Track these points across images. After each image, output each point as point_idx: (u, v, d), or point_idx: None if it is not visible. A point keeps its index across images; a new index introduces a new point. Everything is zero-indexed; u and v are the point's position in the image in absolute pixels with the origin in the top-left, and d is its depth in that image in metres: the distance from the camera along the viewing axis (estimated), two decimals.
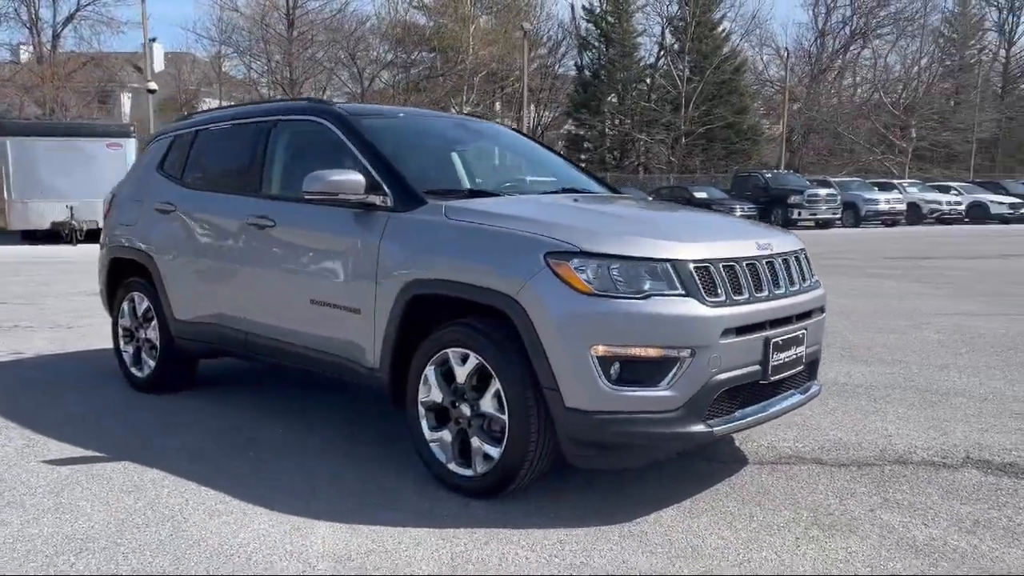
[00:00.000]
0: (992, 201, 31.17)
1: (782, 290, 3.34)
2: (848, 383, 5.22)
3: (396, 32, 40.83)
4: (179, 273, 4.67)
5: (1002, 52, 54.39)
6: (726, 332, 3.03)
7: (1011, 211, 30.75)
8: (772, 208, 26.64)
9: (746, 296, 3.15)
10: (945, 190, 32.16)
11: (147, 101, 28.52)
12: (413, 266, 3.43)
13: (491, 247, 3.20)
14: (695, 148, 43.45)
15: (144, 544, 2.89)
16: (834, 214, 27.11)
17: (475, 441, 3.26)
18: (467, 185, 4.22)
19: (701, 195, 26.92)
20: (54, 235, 19.25)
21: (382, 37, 41.38)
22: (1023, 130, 52.31)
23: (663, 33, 45.71)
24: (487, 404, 3.21)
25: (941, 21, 51.94)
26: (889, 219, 28.83)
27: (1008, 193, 32.20)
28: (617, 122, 45.56)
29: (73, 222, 19.07)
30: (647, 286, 2.98)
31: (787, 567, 2.73)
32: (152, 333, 4.93)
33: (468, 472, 3.30)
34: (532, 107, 41.82)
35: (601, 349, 2.94)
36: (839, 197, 27.54)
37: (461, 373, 3.28)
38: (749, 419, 3.23)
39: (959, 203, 30.86)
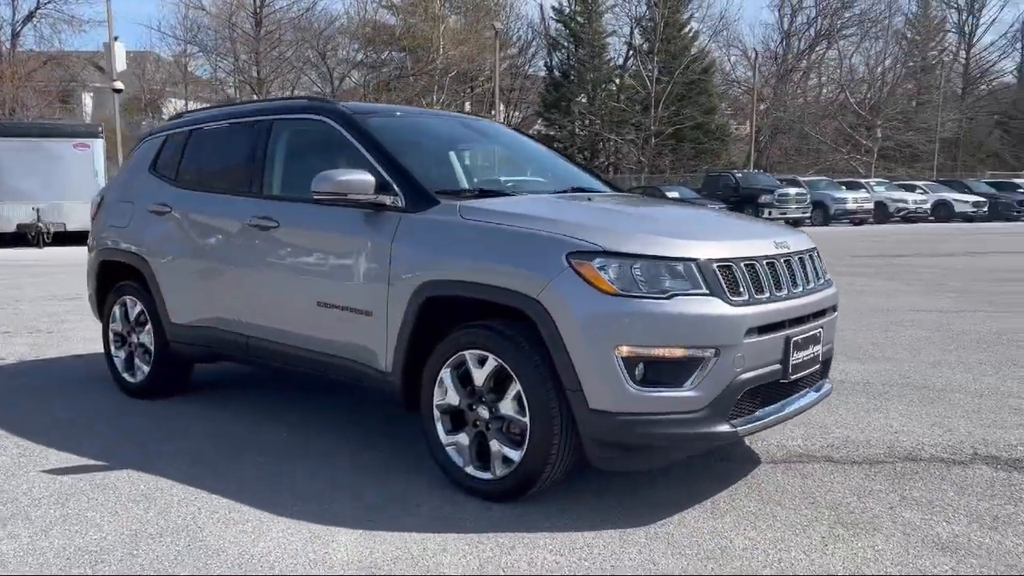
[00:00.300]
0: (956, 200, 31.74)
1: (800, 289, 3.34)
2: (845, 380, 5.25)
3: (366, 32, 40.57)
4: (175, 276, 4.56)
5: (962, 53, 55.48)
6: (749, 331, 3.02)
7: (974, 209, 31.34)
8: (743, 207, 26.73)
9: (767, 295, 3.15)
10: (911, 189, 32.70)
11: (110, 101, 27.99)
12: (428, 267, 3.37)
13: (510, 247, 3.16)
14: (664, 148, 43.72)
15: (161, 555, 2.81)
16: (804, 213, 27.38)
17: (494, 444, 3.21)
18: (475, 185, 4.17)
19: (673, 195, 26.98)
20: (19, 238, 18.83)
21: (352, 36, 41.09)
22: (982, 130, 53.42)
23: (632, 33, 45.98)
24: (507, 407, 3.16)
25: (904, 23, 52.88)
26: (857, 218, 29.23)
27: (971, 192, 32.82)
28: (587, 122, 45.69)
29: (40, 224, 18.66)
30: (671, 286, 2.95)
31: (819, 567, 2.72)
32: (146, 337, 4.82)
33: (487, 475, 3.25)
34: (502, 107, 41.74)
35: (625, 350, 2.91)
36: (809, 196, 27.86)
37: (479, 375, 3.24)
38: (770, 418, 3.22)
39: (925, 202, 31.41)
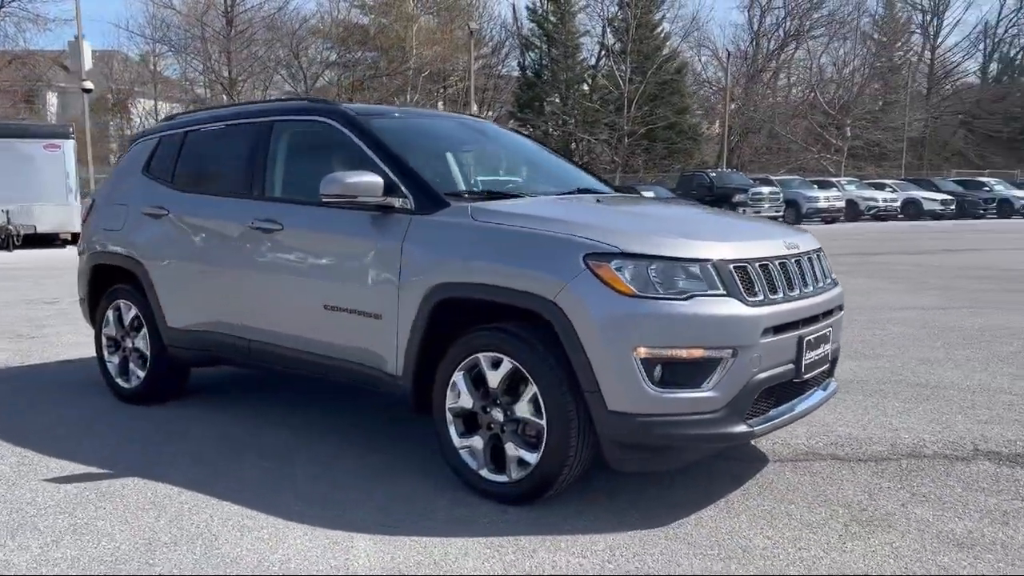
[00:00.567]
0: (925, 198, 32.24)
1: (810, 288, 3.37)
2: (840, 378, 5.25)
3: (339, 31, 40.31)
4: (173, 279, 4.49)
5: (927, 54, 56.39)
6: (765, 331, 3.04)
7: (942, 207, 31.86)
8: (718, 207, 27.02)
9: (781, 295, 3.17)
10: (881, 188, 33.17)
11: (76, 101, 27.57)
12: (440, 270, 3.35)
13: (526, 249, 3.15)
14: (637, 148, 43.96)
15: (179, 564, 2.77)
16: (777, 212, 27.67)
17: (509, 447, 3.20)
18: (481, 187, 4.15)
19: (648, 194, 27.10)
20: None
21: (324, 36, 40.81)
22: (947, 129, 54.29)
23: (604, 33, 46.17)
24: (522, 409, 3.15)
25: (871, 24, 53.63)
26: (829, 216, 29.61)
27: (939, 191, 33.36)
28: (561, 122, 45.80)
29: (10, 227, 18.27)
30: (689, 286, 2.96)
31: (840, 565, 2.74)
32: (141, 342, 4.74)
33: (502, 478, 3.24)
34: (476, 107, 41.69)
35: (644, 351, 2.91)
36: (782, 195, 28.18)
37: (493, 378, 3.22)
38: (784, 417, 3.25)
39: (894, 200, 31.88)
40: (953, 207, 32.06)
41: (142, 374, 4.74)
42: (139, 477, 3.58)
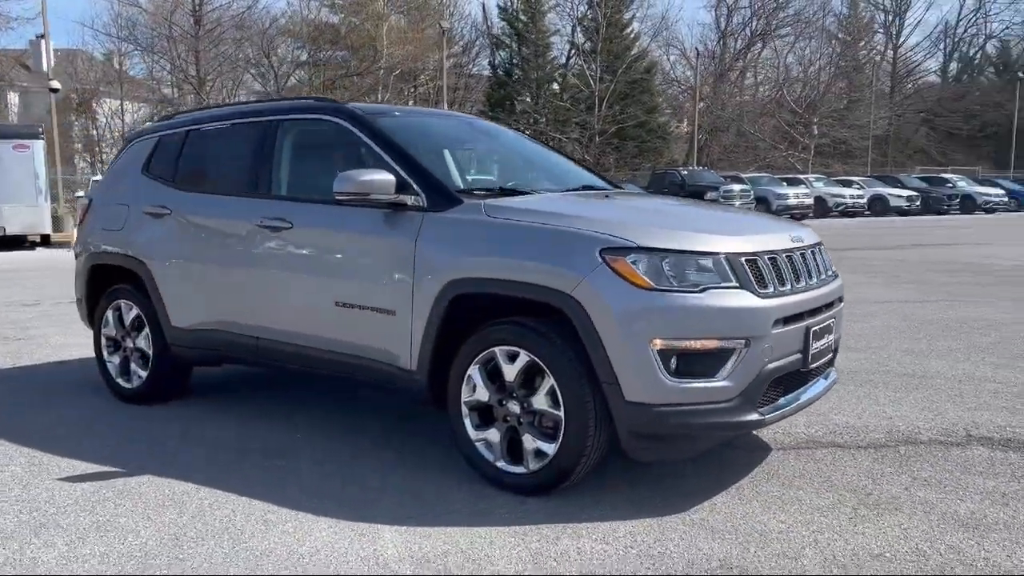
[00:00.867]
0: (891, 195, 32.85)
1: (815, 280, 3.48)
2: None
3: (309, 30, 40.04)
4: (176, 278, 4.49)
5: (889, 53, 57.38)
6: (776, 322, 3.14)
7: (908, 203, 32.48)
8: None
9: (789, 287, 3.27)
10: (848, 185, 33.73)
11: (39, 101, 27.10)
12: (455, 266, 3.41)
13: (542, 245, 3.21)
14: (608, 147, 44.16)
15: (210, 557, 2.80)
16: (748, 208, 28.03)
17: (527, 439, 3.27)
18: (491, 184, 4.20)
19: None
20: None
21: (294, 36, 40.50)
22: (910, 127, 55.27)
23: (574, 32, 46.34)
24: (539, 401, 3.22)
25: (836, 24, 54.44)
26: (799, 213, 29.93)
27: (904, 187, 34.00)
28: (532, 121, 45.83)
29: None
30: (703, 279, 3.05)
31: (855, 545, 2.85)
32: (143, 342, 4.73)
33: (519, 470, 3.31)
34: (447, 106, 41.64)
35: (660, 343, 3.00)
36: (752, 192, 28.52)
37: (510, 371, 3.29)
38: (792, 406, 3.35)
39: (861, 197, 32.45)
40: (918, 203, 32.69)
41: (144, 374, 4.73)
42: (152, 475, 3.60)
